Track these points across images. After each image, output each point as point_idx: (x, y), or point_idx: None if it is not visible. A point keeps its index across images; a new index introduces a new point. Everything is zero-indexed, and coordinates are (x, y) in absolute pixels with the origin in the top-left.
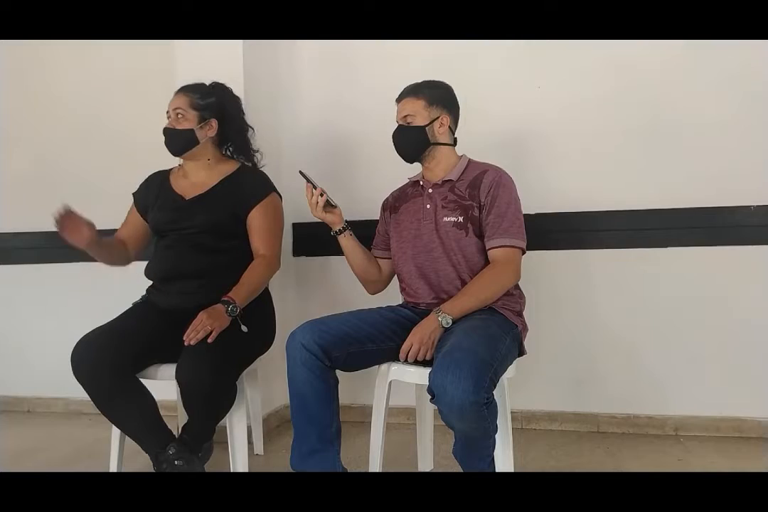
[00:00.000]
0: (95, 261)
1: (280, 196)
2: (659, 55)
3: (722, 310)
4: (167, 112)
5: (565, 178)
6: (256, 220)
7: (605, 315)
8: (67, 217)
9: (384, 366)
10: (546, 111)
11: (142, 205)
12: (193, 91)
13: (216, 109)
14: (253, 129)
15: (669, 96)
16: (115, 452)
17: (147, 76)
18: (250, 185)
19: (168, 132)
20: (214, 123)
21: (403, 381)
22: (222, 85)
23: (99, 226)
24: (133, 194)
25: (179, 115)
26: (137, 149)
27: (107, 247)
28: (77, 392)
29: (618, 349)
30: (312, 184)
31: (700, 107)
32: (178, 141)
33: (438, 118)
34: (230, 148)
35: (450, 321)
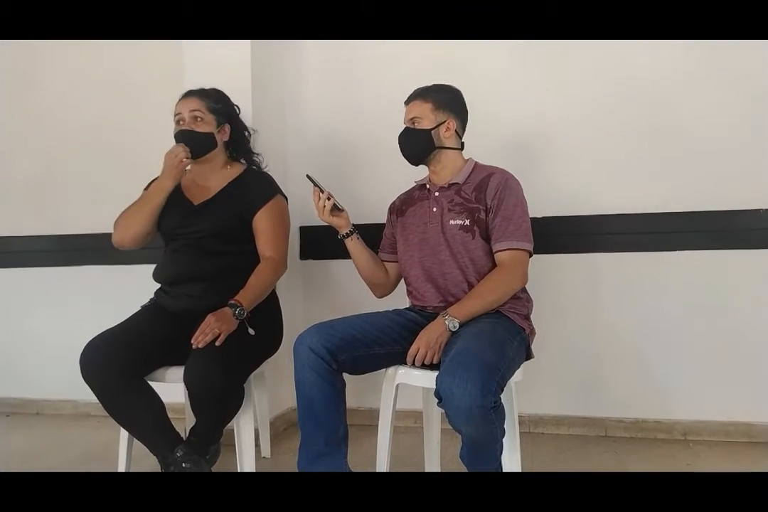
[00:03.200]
0: (103, 264)
1: (286, 198)
2: (668, 56)
3: (731, 314)
4: (178, 115)
5: (572, 181)
6: (261, 222)
7: (613, 318)
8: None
9: (391, 370)
10: (553, 113)
11: None
12: (205, 95)
13: (226, 114)
14: (251, 133)
15: (677, 98)
16: (123, 454)
17: (155, 80)
18: (255, 188)
19: (187, 133)
20: (227, 128)
21: (410, 384)
22: (222, 91)
23: (105, 230)
24: (145, 190)
25: (198, 119)
26: (145, 153)
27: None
28: (86, 394)
29: (626, 353)
30: (319, 187)
31: (709, 109)
32: (198, 143)
33: (445, 122)
34: (234, 152)
35: (457, 325)
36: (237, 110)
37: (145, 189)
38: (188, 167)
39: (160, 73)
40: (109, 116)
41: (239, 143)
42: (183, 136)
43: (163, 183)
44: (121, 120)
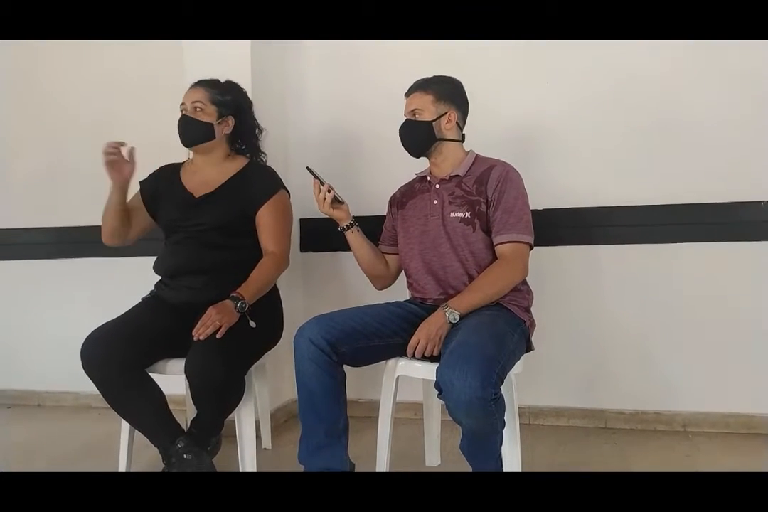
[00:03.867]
0: (104, 257)
1: (289, 193)
2: (669, 52)
3: (732, 306)
4: (182, 104)
5: (574, 174)
6: (264, 217)
7: (613, 311)
8: (119, 150)
9: (391, 362)
10: (554, 107)
11: (149, 194)
12: (212, 86)
13: (233, 107)
14: (261, 130)
15: (678, 92)
16: (124, 446)
17: (156, 76)
18: (258, 183)
19: (187, 120)
20: (231, 121)
21: (410, 376)
22: (236, 84)
23: None
24: (141, 182)
25: (198, 109)
26: (147, 148)
27: (124, 209)
28: (87, 386)
29: (626, 345)
30: (319, 179)
31: (710, 103)
32: (195, 132)
33: (445, 113)
34: (239, 146)
35: (457, 317)
36: (249, 104)
37: (140, 181)
38: (189, 156)
39: (161, 69)
40: (110, 113)
41: (245, 138)
42: (182, 123)
43: (113, 182)
44: (122, 116)
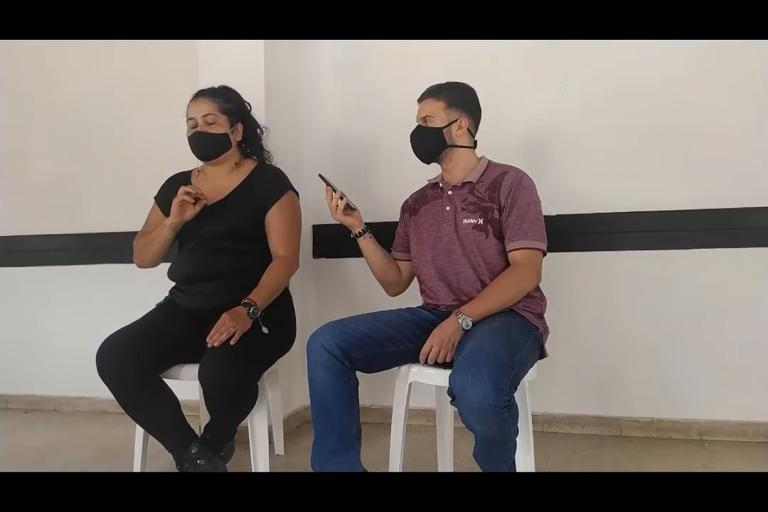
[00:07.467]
0: (119, 263)
1: (297, 194)
2: (684, 55)
3: (747, 313)
4: (191, 120)
5: (587, 179)
6: (273, 220)
7: (628, 317)
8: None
9: (404, 368)
10: (567, 112)
11: (165, 208)
12: (216, 96)
13: (238, 113)
14: (263, 130)
15: (692, 96)
16: (138, 451)
17: (170, 81)
18: (266, 185)
19: (201, 136)
20: (240, 127)
21: (423, 382)
22: (232, 88)
23: (121, 229)
24: (155, 197)
25: (211, 122)
26: (159, 154)
27: (170, 244)
28: (102, 391)
29: (641, 352)
30: (332, 186)
31: (723, 108)
32: (212, 146)
33: (457, 120)
34: (246, 150)
35: (470, 324)
36: (248, 107)
37: (155, 197)
38: (199, 166)
39: (175, 75)
40: (125, 118)
41: (251, 140)
42: (197, 138)
43: (169, 219)
44: (135, 121)
